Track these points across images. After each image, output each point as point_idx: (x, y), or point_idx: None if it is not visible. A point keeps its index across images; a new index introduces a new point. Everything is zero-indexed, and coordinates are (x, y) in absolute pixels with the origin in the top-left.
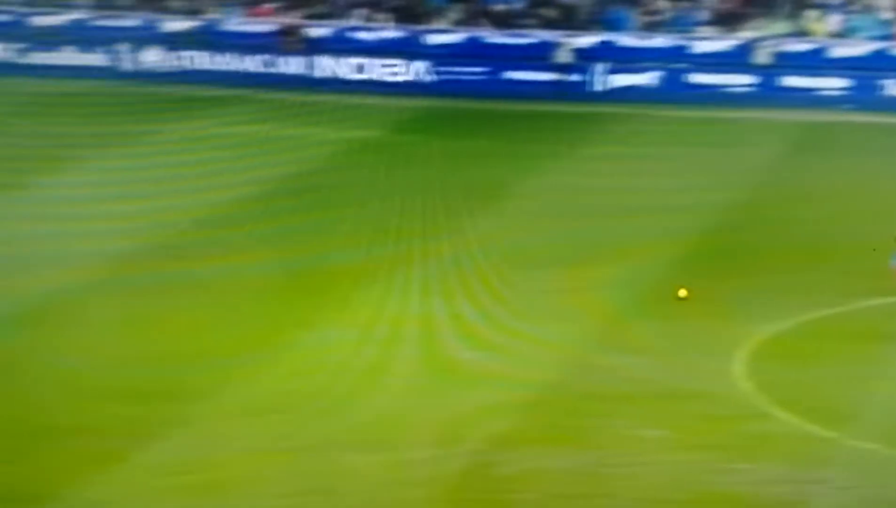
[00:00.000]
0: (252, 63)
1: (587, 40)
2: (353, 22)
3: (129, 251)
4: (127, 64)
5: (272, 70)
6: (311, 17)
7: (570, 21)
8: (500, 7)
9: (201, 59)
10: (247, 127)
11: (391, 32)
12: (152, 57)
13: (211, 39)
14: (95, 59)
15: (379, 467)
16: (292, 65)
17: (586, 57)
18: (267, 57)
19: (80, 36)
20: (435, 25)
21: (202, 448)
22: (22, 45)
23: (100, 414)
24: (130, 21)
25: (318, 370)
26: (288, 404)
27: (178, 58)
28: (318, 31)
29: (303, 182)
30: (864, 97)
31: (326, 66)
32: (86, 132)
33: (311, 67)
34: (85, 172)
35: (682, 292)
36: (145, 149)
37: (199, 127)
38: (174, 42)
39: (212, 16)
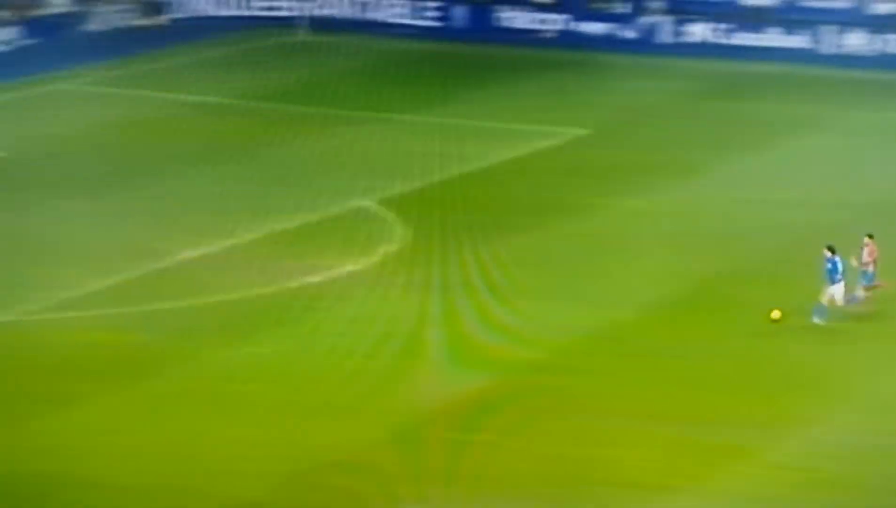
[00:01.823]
0: None
1: None
2: None
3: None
4: (828, 47)
5: None
6: None
7: None
8: None
9: None
10: None
11: None
12: (855, 40)
13: None
14: (797, 41)
15: None
16: None
17: None
18: None
19: (786, 17)
20: None
21: (829, 445)
22: (729, 26)
23: (719, 407)
24: (838, 3)
25: None
26: None
27: (883, 41)
28: None
29: None
30: None
31: None
32: (779, 114)
33: None
34: (772, 155)
35: (776, 314)
36: (833, 136)
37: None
38: (879, 25)
39: None
